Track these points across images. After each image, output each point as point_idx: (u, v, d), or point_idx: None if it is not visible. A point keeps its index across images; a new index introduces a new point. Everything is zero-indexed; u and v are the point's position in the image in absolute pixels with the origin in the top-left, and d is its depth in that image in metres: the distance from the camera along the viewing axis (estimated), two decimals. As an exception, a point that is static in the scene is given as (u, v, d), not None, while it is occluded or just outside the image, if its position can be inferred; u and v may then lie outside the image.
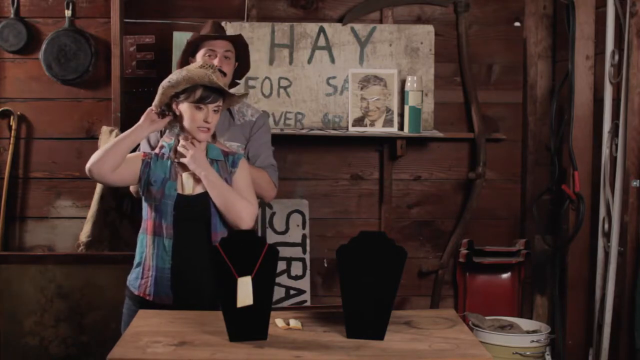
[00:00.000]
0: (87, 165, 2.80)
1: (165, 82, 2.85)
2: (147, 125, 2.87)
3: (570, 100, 3.80)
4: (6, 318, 3.86)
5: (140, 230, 2.92)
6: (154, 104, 2.89)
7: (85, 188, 4.11)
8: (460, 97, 4.24)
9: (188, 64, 3.30)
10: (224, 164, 2.94)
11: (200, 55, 3.28)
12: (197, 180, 2.86)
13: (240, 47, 3.37)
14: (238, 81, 3.52)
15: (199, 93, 2.81)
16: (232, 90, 3.11)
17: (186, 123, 2.84)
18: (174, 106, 2.87)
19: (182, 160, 2.85)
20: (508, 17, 4.26)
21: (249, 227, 2.85)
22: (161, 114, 2.89)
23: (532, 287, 4.24)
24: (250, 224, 2.86)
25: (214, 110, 2.84)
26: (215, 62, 3.23)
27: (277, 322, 2.51)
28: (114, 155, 2.79)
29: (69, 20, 4.07)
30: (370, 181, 4.28)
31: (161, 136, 3.11)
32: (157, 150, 2.92)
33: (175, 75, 2.83)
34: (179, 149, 2.87)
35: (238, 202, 2.84)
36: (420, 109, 4.01)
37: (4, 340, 3.86)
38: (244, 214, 2.84)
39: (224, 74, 3.25)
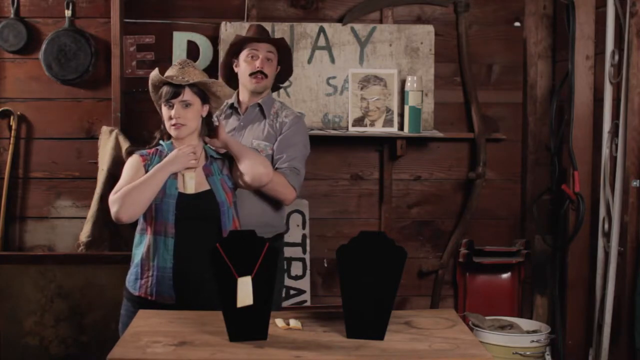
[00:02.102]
0: (116, 215, 2.74)
1: (150, 93, 2.93)
2: (183, 164, 2.83)
3: (570, 100, 3.80)
4: (6, 318, 3.86)
5: (138, 230, 2.90)
6: (189, 147, 2.86)
7: (85, 188, 4.11)
8: (460, 97, 4.24)
9: (231, 65, 3.42)
10: (222, 162, 2.96)
11: (243, 57, 3.36)
12: (200, 179, 2.86)
13: (282, 50, 3.41)
14: (281, 85, 3.59)
15: (162, 91, 2.84)
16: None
17: (165, 125, 2.87)
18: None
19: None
20: (508, 17, 4.26)
21: (267, 182, 2.99)
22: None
23: (532, 287, 4.24)
24: (268, 179, 2.99)
25: (184, 105, 2.83)
26: (257, 63, 3.32)
27: (277, 322, 2.51)
28: (148, 197, 2.76)
29: (69, 20, 4.07)
30: (370, 181, 4.28)
31: None
32: (151, 150, 2.92)
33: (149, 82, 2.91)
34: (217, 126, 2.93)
35: (259, 159, 2.98)
36: (420, 109, 4.01)
37: (4, 340, 3.86)
38: (264, 170, 2.96)
39: (265, 75, 3.32)
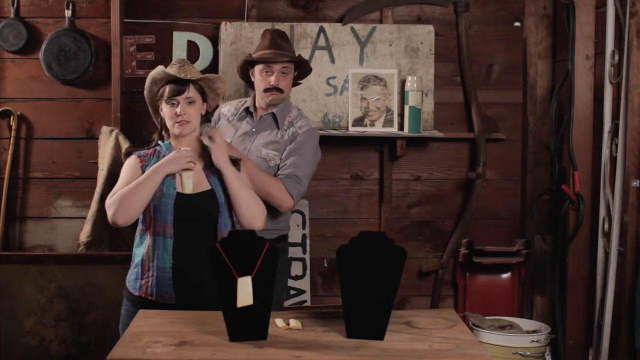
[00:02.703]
0: (112, 218, 2.74)
1: (145, 93, 2.91)
2: (180, 165, 2.80)
3: (570, 100, 3.80)
4: (6, 318, 3.86)
5: (138, 230, 2.90)
6: (183, 149, 2.83)
7: (85, 188, 4.11)
8: (460, 97, 4.24)
9: (248, 76, 3.40)
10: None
11: (258, 69, 3.36)
12: (198, 179, 2.86)
13: (300, 64, 3.45)
14: (299, 82, 3.64)
15: (165, 89, 2.83)
16: None
17: (167, 123, 2.86)
18: (160, 113, 2.89)
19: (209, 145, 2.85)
20: (508, 17, 4.26)
21: (261, 228, 2.85)
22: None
23: (532, 287, 4.24)
24: (262, 224, 2.86)
25: (188, 102, 2.82)
26: (272, 80, 3.30)
27: (277, 322, 2.51)
28: (144, 200, 2.75)
29: (69, 20, 4.07)
30: (370, 181, 4.28)
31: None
32: (149, 151, 2.91)
33: (146, 83, 2.90)
34: (202, 139, 2.87)
35: (253, 201, 2.85)
36: (420, 109, 4.01)
37: (4, 340, 3.86)
38: (258, 213, 2.85)
39: (281, 91, 3.31)
